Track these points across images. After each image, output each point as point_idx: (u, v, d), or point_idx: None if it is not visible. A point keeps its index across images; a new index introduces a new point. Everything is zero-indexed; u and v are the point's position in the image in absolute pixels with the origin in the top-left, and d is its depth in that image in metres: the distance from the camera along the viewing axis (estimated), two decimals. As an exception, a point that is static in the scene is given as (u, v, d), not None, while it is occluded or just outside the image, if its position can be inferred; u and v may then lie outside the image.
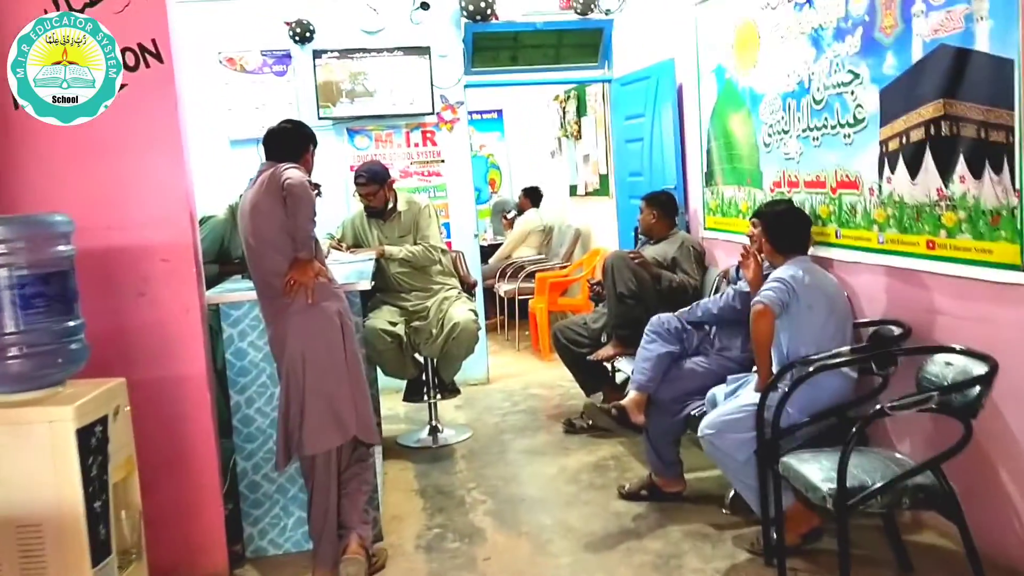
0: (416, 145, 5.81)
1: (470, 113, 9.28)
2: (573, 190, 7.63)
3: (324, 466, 2.97)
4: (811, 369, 2.87)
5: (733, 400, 3.17)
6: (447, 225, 5.86)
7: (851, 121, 3.40)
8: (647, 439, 3.66)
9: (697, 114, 4.86)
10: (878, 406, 2.44)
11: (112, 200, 2.97)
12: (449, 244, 5.71)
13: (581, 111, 7.16)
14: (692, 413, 3.54)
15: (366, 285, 3.43)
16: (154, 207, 3.01)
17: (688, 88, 4.98)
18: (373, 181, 4.47)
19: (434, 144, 5.83)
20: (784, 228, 3.27)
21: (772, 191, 4.07)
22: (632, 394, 3.60)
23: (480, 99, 8.71)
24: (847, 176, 3.46)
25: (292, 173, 2.91)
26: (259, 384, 3.33)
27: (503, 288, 7.27)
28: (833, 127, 3.53)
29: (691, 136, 4.98)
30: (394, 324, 4.42)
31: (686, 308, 3.78)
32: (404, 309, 4.53)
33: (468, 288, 4.78)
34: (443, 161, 5.85)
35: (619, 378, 4.85)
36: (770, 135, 4.06)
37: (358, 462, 3.09)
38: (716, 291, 4.43)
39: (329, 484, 2.98)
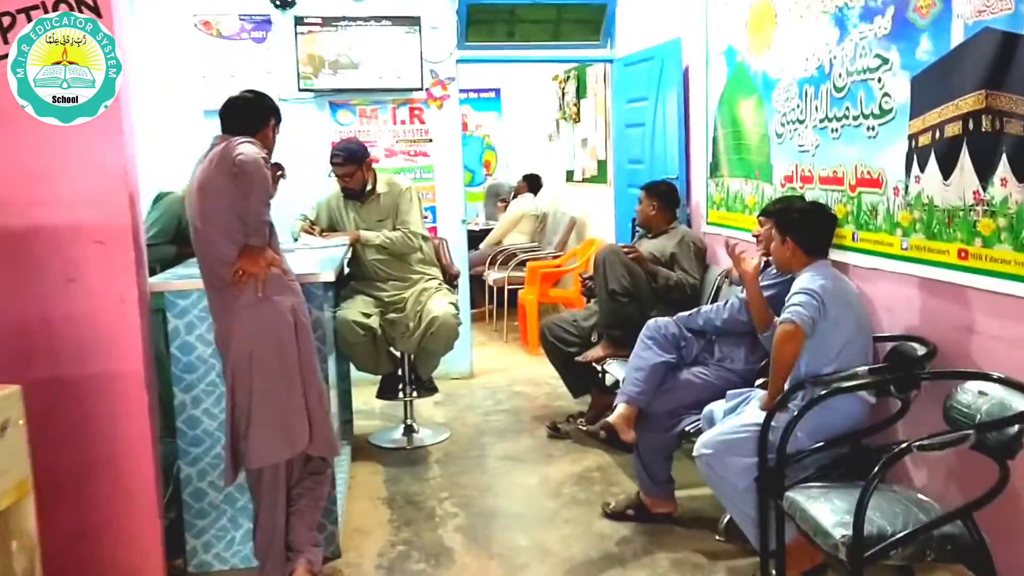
0: (403, 122, 5.45)
1: (466, 91, 9.11)
2: (570, 175, 7.28)
3: (271, 481, 2.64)
4: (826, 391, 2.54)
5: (734, 418, 2.84)
6: (432, 209, 5.51)
7: (876, 112, 3.05)
8: (637, 455, 3.33)
9: (704, 99, 4.50)
10: (904, 443, 2.10)
11: (37, 173, 2.61)
12: (434, 231, 5.36)
13: (581, 93, 6.80)
14: (687, 429, 3.22)
15: (329, 276, 3.08)
16: (87, 183, 2.65)
17: (695, 71, 4.62)
18: (350, 161, 4.12)
19: (422, 122, 5.47)
20: (814, 227, 2.90)
21: (783, 186, 3.73)
22: (621, 408, 3.26)
23: (478, 77, 8.34)
24: (869, 173, 3.11)
25: (246, 148, 2.56)
26: (207, 382, 2.99)
27: (492, 276, 6.93)
28: (855, 118, 3.18)
29: (696, 123, 4.62)
30: (368, 316, 4.08)
31: (686, 313, 3.44)
32: (379, 300, 4.19)
33: (450, 279, 4.44)
34: (431, 140, 5.48)
35: (608, 380, 4.52)
36: (783, 124, 3.70)
37: (312, 475, 2.75)
38: (717, 292, 4.11)
39: (276, 501, 2.65)
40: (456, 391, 5.29)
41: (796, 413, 2.52)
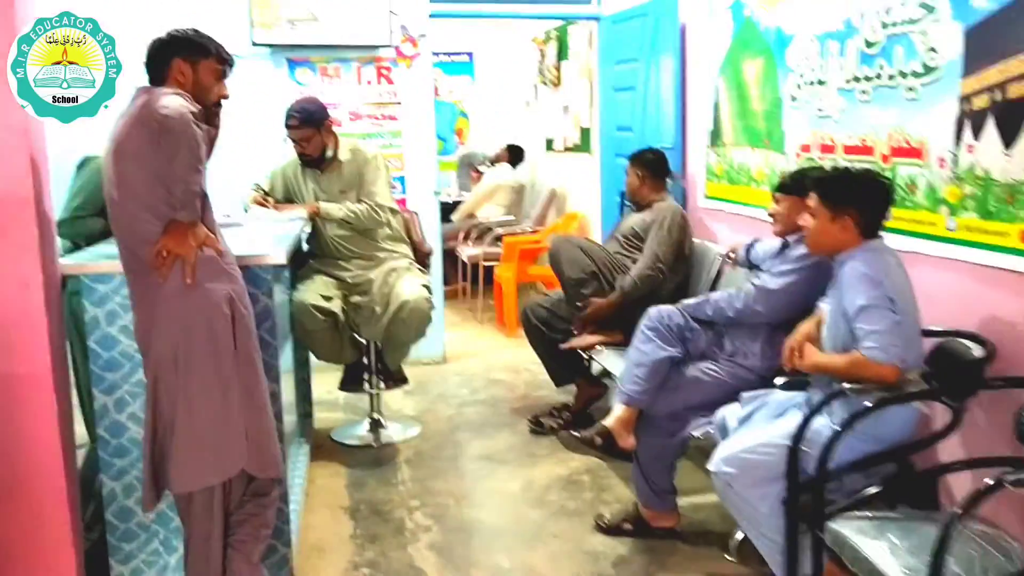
0: (369, 83, 4.94)
1: (437, 54, 8.56)
2: (549, 144, 6.81)
3: (203, 507, 2.18)
4: (879, 399, 2.12)
5: (755, 428, 2.43)
6: (401, 180, 5.02)
7: (919, 70, 2.63)
8: (636, 463, 2.92)
9: (704, 59, 4.06)
10: (990, 481, 1.69)
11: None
12: (402, 203, 4.88)
13: (562, 55, 6.32)
14: (694, 434, 2.81)
15: (279, 257, 2.60)
16: (-27, 143, 2.18)
17: (694, 28, 4.17)
18: (307, 123, 3.62)
19: (390, 83, 4.96)
20: (879, 200, 2.34)
21: (798, 156, 3.31)
22: (619, 410, 2.85)
23: (449, 40, 7.82)
24: (907, 141, 2.70)
25: (170, 101, 2.07)
26: (133, 382, 2.51)
27: (466, 252, 6.47)
28: (891, 77, 2.76)
29: (695, 86, 4.18)
30: (328, 299, 3.61)
31: (692, 300, 3.02)
32: (342, 281, 3.72)
33: (422, 258, 3.97)
34: (400, 103, 4.98)
35: (595, 368, 4.10)
36: (800, 87, 3.28)
37: (255, 498, 2.29)
38: (718, 277, 3.69)
39: (210, 530, 2.19)
40: (428, 378, 4.85)
41: (839, 425, 2.11)
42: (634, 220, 3.94)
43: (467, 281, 6.65)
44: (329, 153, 3.73)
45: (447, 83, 8.64)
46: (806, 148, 3.26)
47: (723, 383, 2.83)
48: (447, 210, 7.14)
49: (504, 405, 4.40)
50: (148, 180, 2.11)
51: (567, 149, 6.32)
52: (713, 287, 3.72)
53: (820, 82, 3.14)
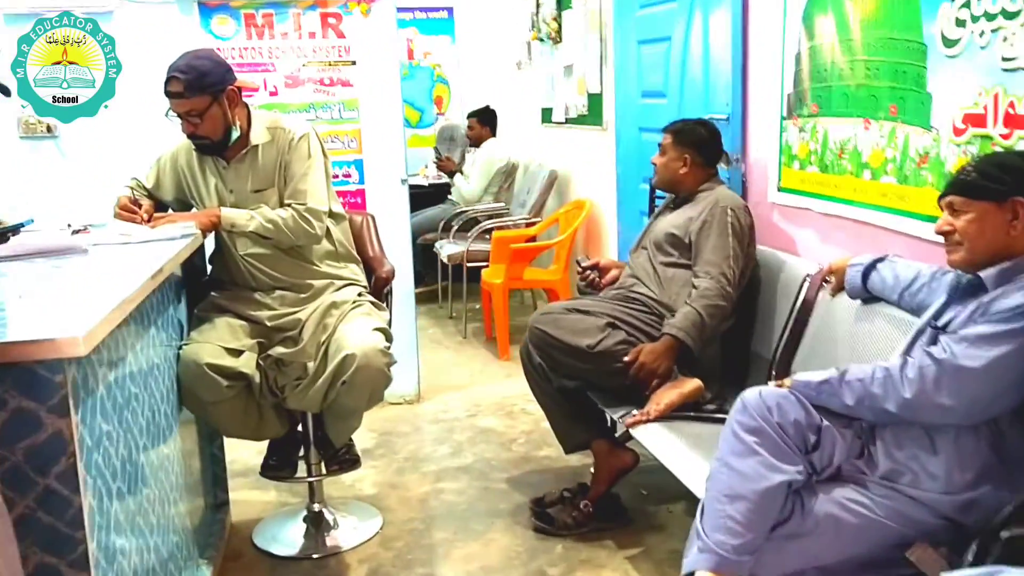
0: (312, 36, 3.70)
1: (411, 10, 7.29)
2: (547, 115, 5.57)
3: None
4: None
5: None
6: (358, 164, 3.79)
7: None
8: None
9: (779, -8, 2.84)
10: None
11: None
12: (356, 202, 3.68)
13: (564, 2, 5.06)
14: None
15: (78, 345, 1.39)
16: None
17: (761, -52, 2.95)
18: (197, 88, 2.40)
19: (340, 35, 3.72)
20: None
21: (960, 133, 2.11)
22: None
23: (424, -8, 6.56)
24: None
25: None
26: None
27: (446, 250, 5.25)
28: None
29: (763, 32, 2.96)
30: (236, 353, 2.41)
31: (811, 376, 1.82)
32: (258, 323, 2.52)
33: (380, 284, 2.77)
34: (354, 63, 3.74)
35: (618, 427, 2.90)
36: (961, 25, 2.07)
37: None
38: (803, 314, 2.52)
39: None
40: (395, 428, 3.67)
41: None
42: (670, 221, 2.78)
43: (449, 280, 5.44)
44: (235, 134, 2.51)
45: (424, 44, 7.37)
46: (972, 119, 2.06)
47: (881, 527, 1.66)
48: (426, 196, 5.93)
49: (497, 475, 3.21)
50: None
51: (570, 121, 5.09)
52: (795, 328, 2.55)
53: (1008, 14, 1.93)
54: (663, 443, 2.44)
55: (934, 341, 1.70)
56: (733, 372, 2.70)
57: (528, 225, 5.11)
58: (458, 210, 5.59)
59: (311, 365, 2.46)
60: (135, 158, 2.84)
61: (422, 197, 5.83)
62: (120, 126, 3.22)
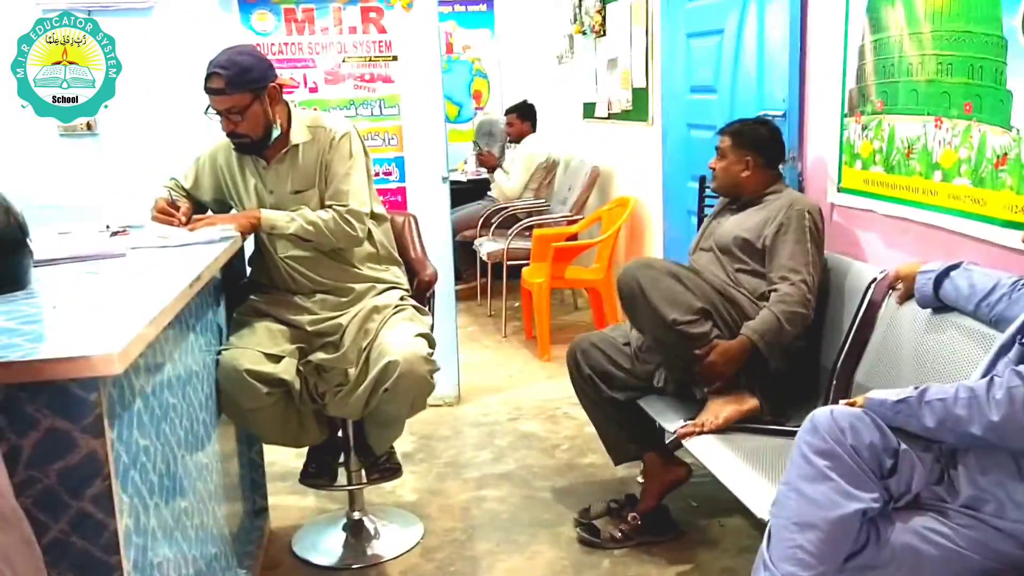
0: (353, 31, 3.62)
1: (450, 3, 7.20)
2: (589, 110, 5.45)
3: None
4: None
5: None
6: (399, 162, 3.72)
7: None
8: None
9: (842, -18, 2.70)
10: None
11: None
12: (396, 201, 3.61)
13: (607, -5, 4.95)
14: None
15: (114, 363, 1.31)
16: None
17: (823, -64, 2.81)
18: (238, 85, 2.33)
19: (382, 31, 3.64)
20: None
21: (1044, 133, 1.97)
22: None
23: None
24: None
25: None
26: None
27: (486, 247, 5.16)
28: None
29: (823, 26, 2.83)
30: (276, 359, 2.35)
31: (887, 395, 1.70)
32: (298, 328, 2.45)
33: (422, 288, 2.69)
34: (395, 59, 3.66)
35: (667, 437, 2.79)
36: (1047, 14, 1.93)
37: None
38: (867, 323, 2.40)
39: None
40: (435, 431, 3.59)
41: None
42: (739, 225, 2.64)
43: (488, 277, 5.35)
44: (276, 133, 2.44)
45: (463, 38, 7.29)
46: (1059, 119, 1.92)
47: (962, 559, 1.54)
48: (464, 192, 5.85)
49: (540, 483, 3.12)
50: None
51: (613, 116, 4.97)
52: (858, 337, 2.43)
53: (1101, 4, 1.79)
54: (718, 456, 2.33)
55: (1022, 359, 1.57)
56: (792, 383, 2.57)
57: (569, 223, 5.01)
58: (497, 206, 5.50)
59: (352, 371, 2.39)
60: (178, 156, 2.78)
61: (461, 193, 5.75)
62: (162, 123, 3.18)
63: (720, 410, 2.41)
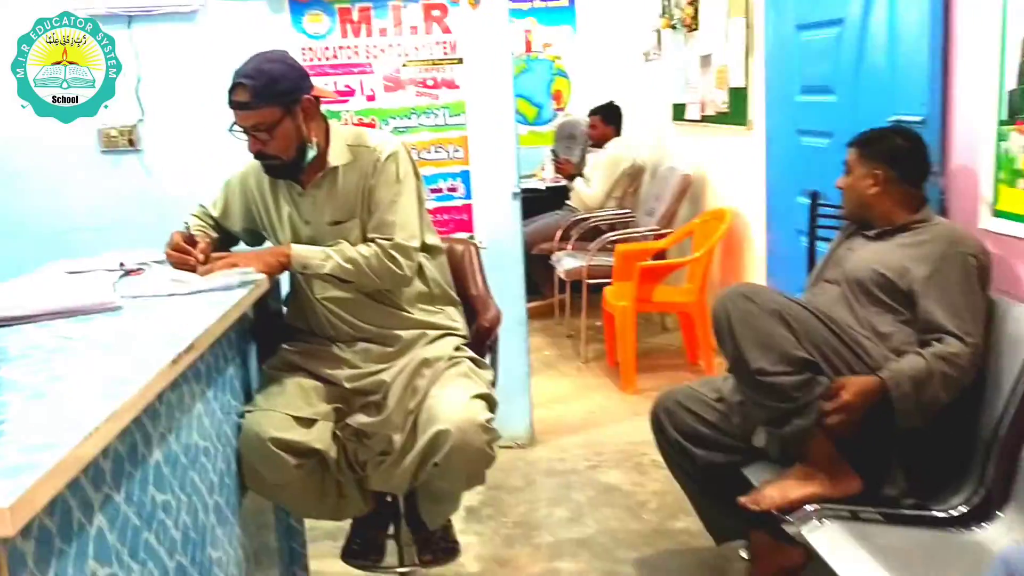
0: (414, 31, 3.25)
1: (529, 0, 6.80)
2: (679, 112, 4.97)
3: None
4: None
5: None
6: (464, 176, 3.33)
7: None
8: None
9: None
10: None
11: None
12: (459, 223, 3.22)
13: (700, -15, 4.46)
14: None
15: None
16: None
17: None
18: (265, 97, 1.97)
19: (445, 30, 3.25)
20: None
21: None
22: None
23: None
24: None
25: None
26: None
27: (564, 264, 4.73)
28: None
29: (973, 13, 2.30)
30: (308, 422, 1.98)
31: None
32: (334, 384, 2.08)
33: (482, 335, 2.28)
34: (460, 62, 3.27)
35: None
36: None
37: None
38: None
39: None
40: (504, 480, 3.19)
41: None
42: (877, 258, 2.15)
43: (567, 292, 4.92)
44: (311, 153, 2.07)
45: (542, 35, 6.89)
46: None
47: None
48: (542, 201, 5.42)
49: (624, 553, 2.68)
50: None
51: (707, 119, 4.48)
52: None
53: None
54: (840, 550, 1.87)
55: None
56: (935, 455, 2.07)
57: (657, 237, 4.53)
58: (577, 217, 5.06)
59: (397, 438, 2.00)
60: (227, 173, 2.45)
61: (537, 201, 5.33)
62: (209, 137, 2.86)
63: (796, 487, 1.99)
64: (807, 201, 3.01)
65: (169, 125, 3.19)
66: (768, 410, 2.06)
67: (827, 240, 2.65)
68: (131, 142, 3.20)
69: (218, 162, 2.84)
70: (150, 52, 3.13)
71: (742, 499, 2.07)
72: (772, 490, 2.07)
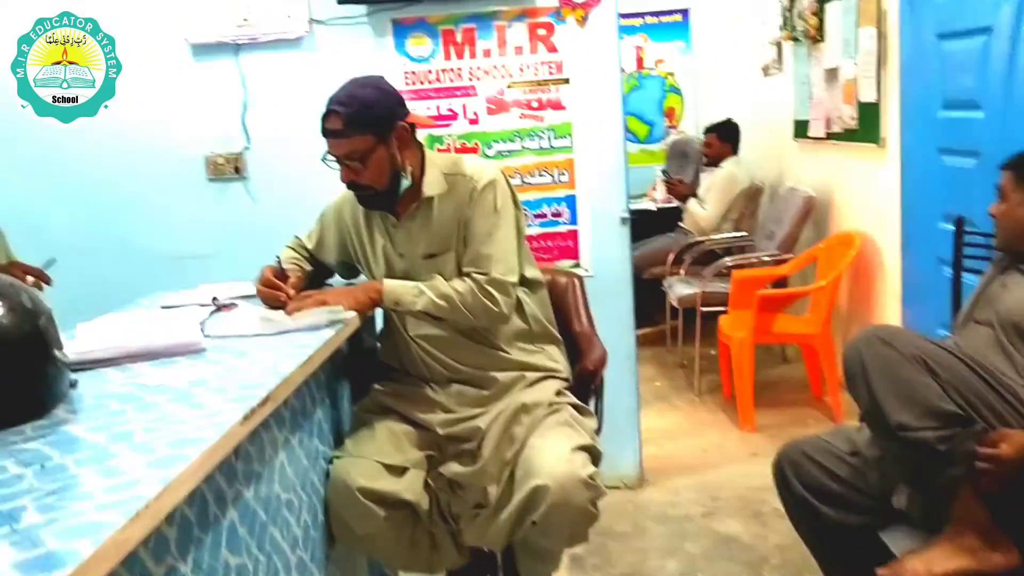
0: (519, 51, 3.12)
1: (640, 15, 6.60)
2: (801, 129, 4.67)
3: None
4: None
5: None
6: (570, 201, 3.17)
7: None
8: None
9: None
10: None
11: None
12: (566, 252, 3.05)
13: (825, -7, 4.17)
14: None
15: None
16: None
17: None
18: (358, 125, 1.88)
19: (551, 49, 3.11)
20: None
21: None
22: None
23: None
24: None
25: None
26: None
27: (676, 290, 4.50)
28: None
29: None
30: (399, 470, 1.86)
31: None
32: (428, 429, 1.95)
33: (586, 376, 2.10)
34: (567, 81, 3.12)
35: None
36: None
37: None
38: None
39: None
40: (612, 526, 2.98)
41: None
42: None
43: (680, 320, 4.68)
44: (405, 183, 1.95)
45: (655, 51, 6.69)
46: None
47: None
48: (651, 223, 5.21)
49: (743, 614, 2.44)
50: None
51: (833, 136, 4.17)
52: None
53: None
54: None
55: None
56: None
57: (777, 263, 4.24)
58: (691, 240, 4.81)
59: (493, 491, 1.85)
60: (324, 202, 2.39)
61: (649, 224, 5.12)
62: (315, 164, 2.82)
63: (944, 560, 1.71)
64: (950, 227, 2.70)
65: (275, 153, 3.17)
66: (912, 466, 1.81)
67: (975, 272, 2.36)
68: (237, 170, 3.19)
69: (324, 191, 2.76)
70: (256, 79, 3.12)
71: (881, 571, 1.82)
72: (916, 562, 1.80)
